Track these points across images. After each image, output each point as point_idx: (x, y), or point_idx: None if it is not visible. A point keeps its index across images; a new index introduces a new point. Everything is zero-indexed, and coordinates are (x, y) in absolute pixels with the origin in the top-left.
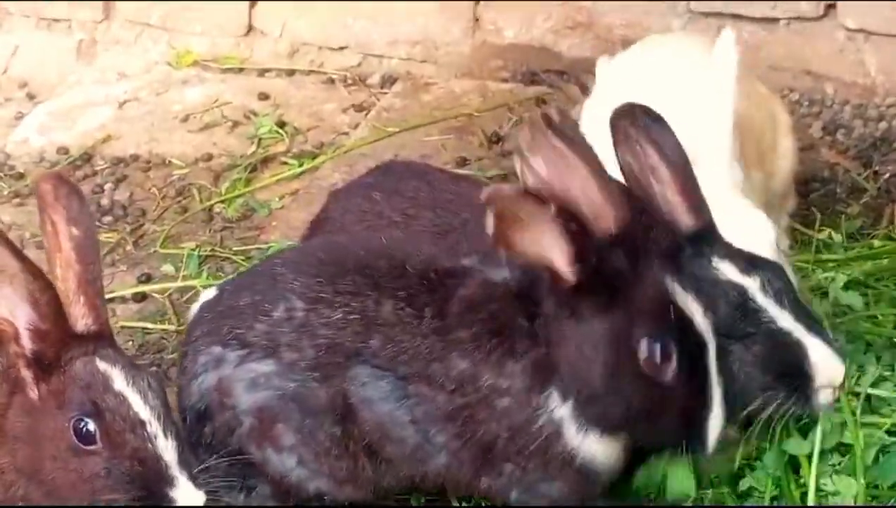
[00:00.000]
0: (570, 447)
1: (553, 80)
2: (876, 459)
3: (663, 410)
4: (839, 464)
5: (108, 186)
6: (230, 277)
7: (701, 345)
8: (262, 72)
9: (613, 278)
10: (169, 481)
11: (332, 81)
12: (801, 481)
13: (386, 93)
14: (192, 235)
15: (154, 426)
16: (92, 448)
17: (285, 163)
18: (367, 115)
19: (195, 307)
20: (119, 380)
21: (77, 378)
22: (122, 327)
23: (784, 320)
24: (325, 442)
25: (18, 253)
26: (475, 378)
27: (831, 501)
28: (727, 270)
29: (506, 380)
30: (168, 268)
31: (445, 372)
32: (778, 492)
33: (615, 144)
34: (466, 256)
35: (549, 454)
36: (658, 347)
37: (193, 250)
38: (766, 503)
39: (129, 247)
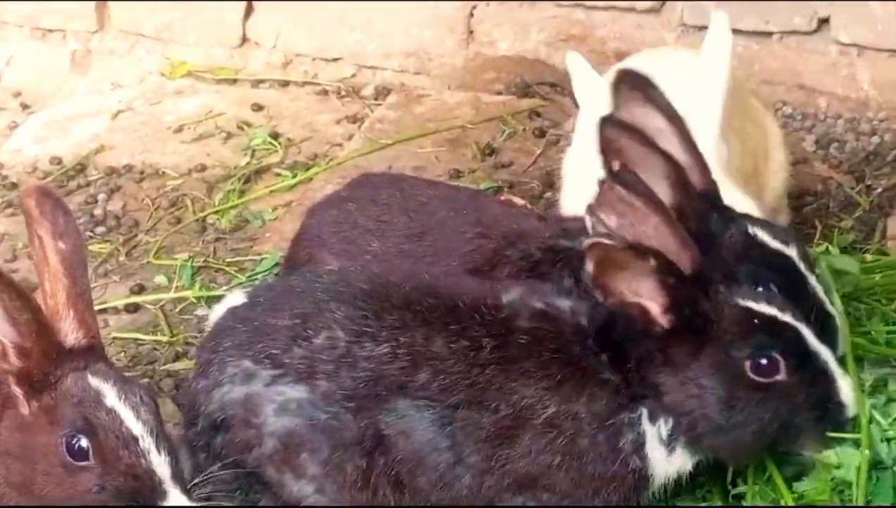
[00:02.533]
0: (643, 466)
1: (546, 92)
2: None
3: (795, 406)
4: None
5: (101, 197)
6: (256, 284)
7: (795, 333)
8: (256, 83)
9: (703, 319)
10: (162, 495)
11: (325, 92)
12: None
13: (380, 104)
14: (185, 246)
15: (147, 442)
16: (84, 464)
17: (279, 174)
18: (360, 126)
19: (219, 310)
20: (111, 395)
21: (68, 395)
22: (115, 338)
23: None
24: (350, 475)
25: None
26: (538, 405)
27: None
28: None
29: (580, 406)
30: (161, 279)
31: (503, 399)
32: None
33: (616, 108)
34: (508, 289)
35: (612, 472)
36: (764, 362)
37: (186, 260)
38: None
39: (121, 258)
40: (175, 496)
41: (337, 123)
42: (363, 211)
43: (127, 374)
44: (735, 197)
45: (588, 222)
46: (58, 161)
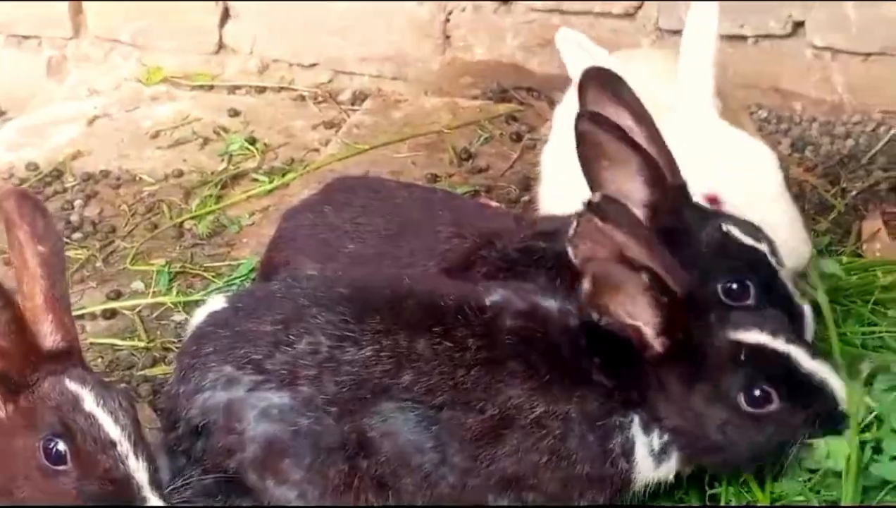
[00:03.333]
0: (629, 469)
1: (523, 97)
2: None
3: (782, 433)
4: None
5: (77, 203)
6: (237, 289)
7: (786, 359)
8: (233, 89)
9: (695, 349)
10: (141, 500)
11: (302, 97)
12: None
13: (356, 109)
14: (162, 251)
15: (125, 447)
16: (62, 468)
17: (256, 179)
18: (337, 131)
19: (199, 315)
20: (89, 400)
21: (46, 398)
22: (92, 343)
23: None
24: (333, 480)
25: None
26: (525, 406)
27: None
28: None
29: (570, 406)
30: (138, 285)
31: (489, 399)
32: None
33: (583, 106)
34: (491, 290)
35: (599, 473)
36: (756, 393)
37: (163, 266)
38: None
39: (98, 264)
40: (153, 500)
41: (314, 129)
42: (338, 214)
43: (105, 379)
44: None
45: (570, 253)
46: (34, 167)
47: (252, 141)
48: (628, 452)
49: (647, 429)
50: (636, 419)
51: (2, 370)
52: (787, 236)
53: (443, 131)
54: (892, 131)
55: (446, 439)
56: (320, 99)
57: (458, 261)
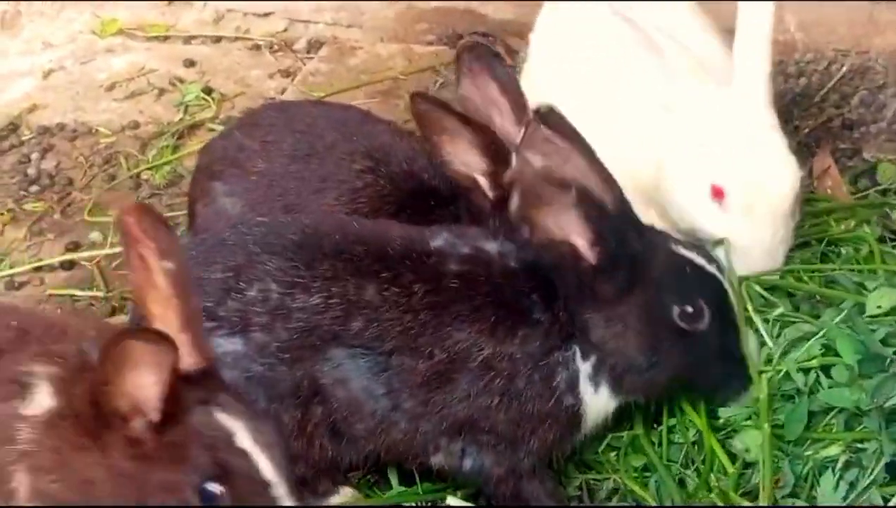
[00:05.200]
0: (576, 404)
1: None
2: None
3: (708, 358)
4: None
5: (34, 156)
6: (187, 239)
7: (718, 285)
8: (188, 39)
9: (633, 258)
10: None
11: (258, 47)
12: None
13: (312, 58)
14: (119, 202)
15: (281, 488)
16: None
17: (212, 130)
18: (293, 80)
19: None
20: (243, 436)
21: (198, 434)
22: (51, 295)
23: None
24: (287, 425)
25: (144, 333)
26: (473, 348)
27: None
28: None
29: (514, 347)
30: (96, 236)
31: (437, 344)
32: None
33: (459, 76)
34: (435, 234)
35: (547, 409)
36: (690, 308)
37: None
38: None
39: (56, 216)
40: None
41: (270, 78)
42: (248, 134)
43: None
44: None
45: (513, 160)
46: None
47: (208, 91)
48: (573, 386)
49: (585, 356)
50: (576, 349)
51: (161, 402)
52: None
53: (398, 78)
54: (844, 69)
55: (397, 385)
56: (276, 48)
57: (367, 204)
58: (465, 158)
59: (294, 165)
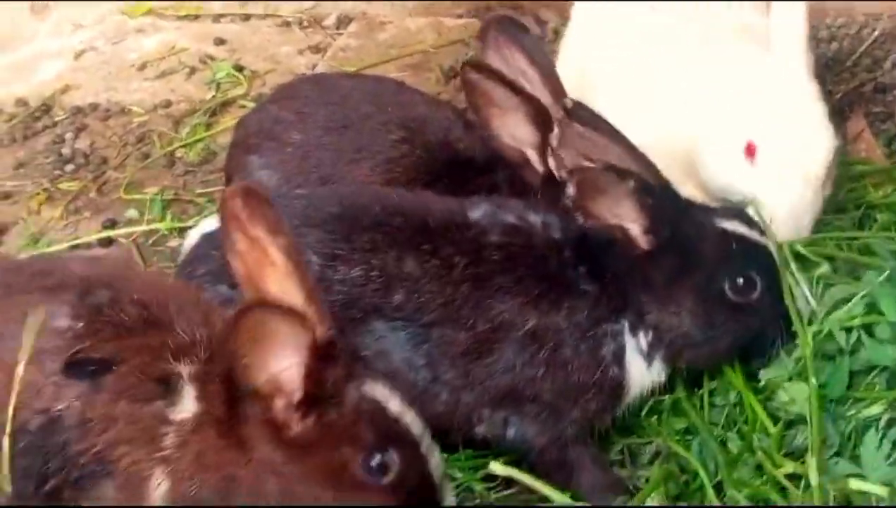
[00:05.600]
0: (621, 375)
1: (508, 14)
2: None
3: (764, 324)
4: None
5: (68, 136)
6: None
7: (765, 252)
8: (217, 17)
9: (683, 241)
10: (441, 497)
11: (287, 23)
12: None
13: (341, 33)
14: (154, 180)
15: (426, 444)
16: (385, 481)
17: (244, 106)
18: (323, 56)
19: (193, 237)
20: (393, 403)
21: (358, 409)
22: None
23: None
24: None
25: (278, 307)
26: (517, 319)
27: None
28: None
29: (560, 318)
30: (132, 213)
31: (479, 315)
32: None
33: (485, 50)
34: (475, 206)
35: (593, 380)
36: (742, 281)
37: (157, 194)
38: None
39: (92, 194)
40: (449, 498)
41: (300, 54)
42: (282, 107)
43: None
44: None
45: (550, 162)
46: (23, 103)
47: (239, 69)
48: (619, 357)
49: (634, 331)
50: (625, 323)
51: (310, 391)
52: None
53: (428, 51)
54: (876, 33)
55: (438, 356)
56: (305, 24)
57: (403, 173)
58: (515, 132)
59: (329, 136)
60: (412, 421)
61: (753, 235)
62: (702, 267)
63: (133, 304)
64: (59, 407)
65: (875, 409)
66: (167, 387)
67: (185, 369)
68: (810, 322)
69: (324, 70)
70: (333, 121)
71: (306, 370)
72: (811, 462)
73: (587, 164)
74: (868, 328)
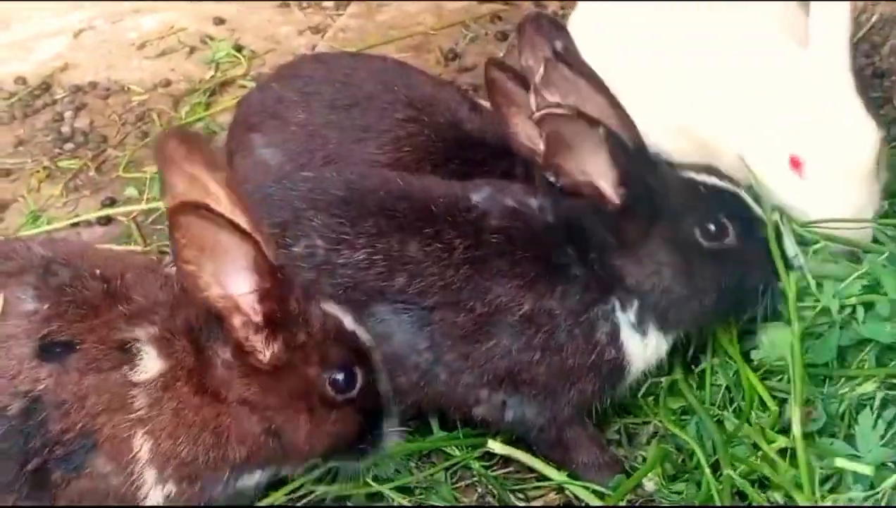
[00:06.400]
0: (618, 356)
1: None
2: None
3: (747, 270)
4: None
5: (67, 114)
6: None
7: (736, 198)
8: None
9: (652, 193)
10: (389, 419)
11: (287, 4)
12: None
13: (341, 14)
14: (153, 159)
15: (376, 359)
16: (349, 395)
17: (244, 86)
18: (323, 36)
19: None
20: (347, 319)
21: (324, 328)
22: None
23: None
24: None
25: (229, 223)
26: (513, 303)
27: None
28: None
29: (554, 302)
30: (132, 192)
31: (478, 298)
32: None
33: (520, 48)
34: (478, 189)
35: (589, 363)
36: (713, 226)
37: (156, 173)
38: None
39: (91, 173)
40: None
41: (300, 34)
42: (286, 85)
43: None
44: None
45: (530, 100)
46: (22, 81)
47: (238, 48)
48: (615, 338)
49: (624, 306)
50: (615, 301)
51: (268, 313)
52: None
53: (428, 33)
54: (874, 18)
55: (439, 339)
56: (305, 5)
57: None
58: (531, 132)
59: (334, 115)
60: (364, 336)
61: (723, 183)
62: (672, 217)
63: (93, 278)
64: (36, 390)
65: (868, 387)
66: (127, 353)
67: (141, 332)
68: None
69: (323, 50)
70: (339, 99)
71: (263, 290)
72: (795, 411)
73: (556, 110)
74: (866, 306)
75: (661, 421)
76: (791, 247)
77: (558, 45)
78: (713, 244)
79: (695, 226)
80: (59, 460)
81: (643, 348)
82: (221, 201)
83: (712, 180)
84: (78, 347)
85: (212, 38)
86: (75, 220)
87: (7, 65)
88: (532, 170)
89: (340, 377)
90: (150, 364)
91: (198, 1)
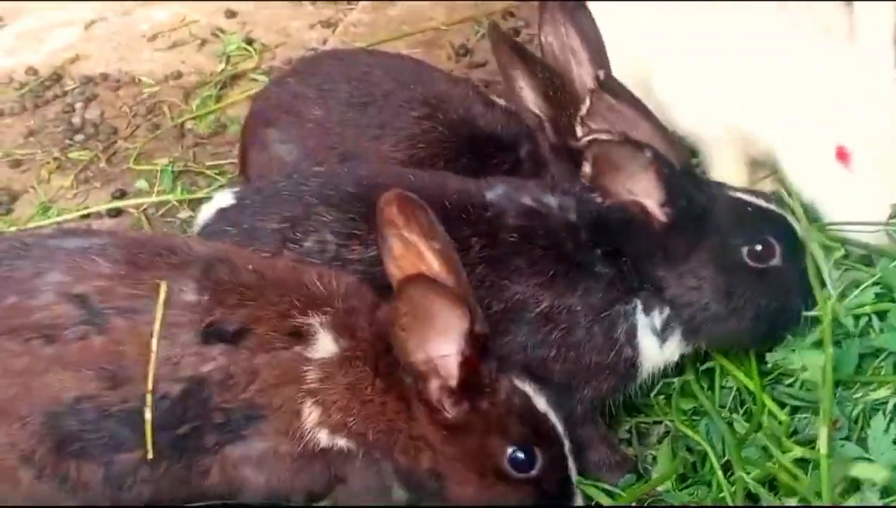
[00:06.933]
0: (634, 355)
1: None
2: None
3: (791, 291)
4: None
5: (78, 106)
6: (244, 186)
7: (783, 220)
8: None
9: (699, 212)
10: (574, 499)
11: None
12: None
13: (353, 8)
14: (164, 151)
15: (566, 446)
16: (526, 476)
17: (255, 80)
18: (334, 31)
19: (207, 212)
20: (539, 400)
21: (509, 402)
22: None
23: None
24: None
25: (451, 294)
26: (531, 301)
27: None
28: None
29: (574, 300)
30: (142, 184)
31: (494, 296)
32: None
33: (541, 24)
34: (492, 186)
35: (606, 362)
36: (760, 246)
37: (167, 165)
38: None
39: (102, 164)
40: (579, 500)
41: (311, 28)
42: (303, 82)
43: None
44: None
45: (579, 131)
46: (33, 72)
47: (249, 42)
48: (631, 337)
49: (647, 309)
50: (638, 303)
51: (464, 378)
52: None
53: (440, 28)
54: None
55: None
56: None
57: (430, 152)
58: (535, 97)
59: (351, 112)
60: (556, 421)
61: (769, 205)
62: (719, 236)
63: (251, 272)
64: (199, 374)
65: (882, 392)
66: (301, 337)
67: (315, 319)
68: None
69: (335, 45)
70: (356, 97)
71: (464, 357)
72: (822, 432)
73: (604, 136)
74: (880, 314)
75: (671, 421)
76: (827, 272)
77: (601, 74)
78: (759, 264)
79: (743, 246)
80: (216, 425)
81: (658, 351)
82: (435, 269)
83: (758, 201)
84: (248, 332)
85: (223, 31)
86: (85, 211)
87: (18, 55)
88: (538, 154)
89: (520, 454)
90: (328, 346)
91: None
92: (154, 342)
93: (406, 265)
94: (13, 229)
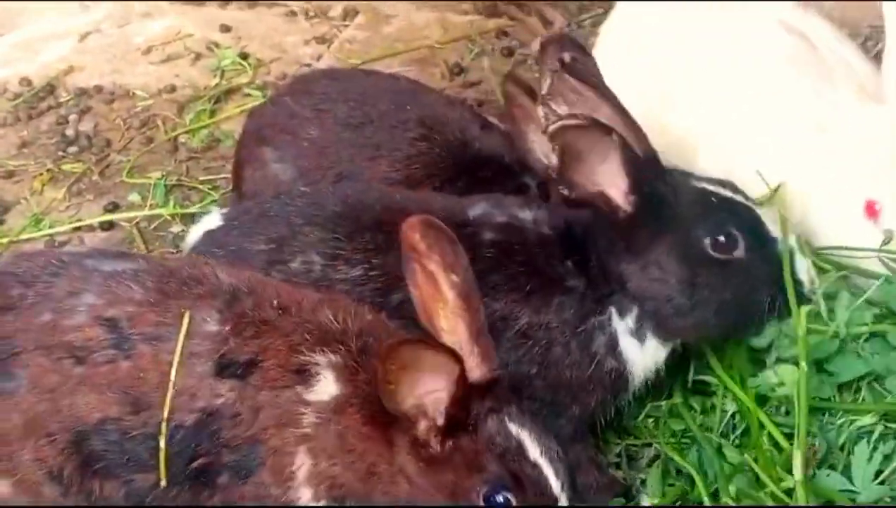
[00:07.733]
0: (619, 366)
1: (514, 12)
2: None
3: (754, 285)
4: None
5: (72, 118)
6: (231, 207)
7: (748, 212)
8: (224, 4)
9: (663, 201)
10: None
11: (293, 13)
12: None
13: (347, 25)
14: (157, 165)
15: (563, 501)
16: None
17: (249, 95)
18: (329, 47)
19: (195, 234)
20: (533, 448)
21: (491, 442)
22: None
23: None
24: None
25: (427, 344)
26: (510, 317)
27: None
28: None
29: (550, 316)
30: (135, 197)
31: None
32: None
33: (542, 66)
34: (474, 204)
35: (588, 376)
36: (721, 237)
37: (160, 179)
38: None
39: (94, 177)
40: None
41: (306, 44)
42: (299, 102)
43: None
44: None
45: (539, 112)
46: (27, 82)
47: (244, 56)
48: (613, 348)
49: (623, 314)
50: (612, 310)
51: (451, 416)
52: None
53: (434, 46)
54: (880, 46)
55: None
56: (312, 14)
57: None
58: (546, 149)
59: (347, 132)
60: (551, 473)
61: (736, 196)
62: (682, 226)
63: (272, 308)
64: (213, 405)
65: (867, 419)
66: (304, 375)
67: (322, 358)
68: (809, 300)
69: (329, 61)
70: (352, 117)
71: (451, 400)
72: (797, 453)
73: (570, 121)
74: (875, 335)
75: (659, 444)
76: (805, 274)
77: (566, 56)
78: (722, 255)
79: (706, 236)
80: (226, 464)
81: (642, 354)
82: (448, 305)
83: (725, 192)
84: (259, 365)
85: (218, 46)
86: (78, 224)
87: (13, 66)
88: (544, 186)
89: (497, 496)
90: (327, 387)
91: (205, 5)
92: (173, 372)
93: (425, 296)
94: (4, 240)
